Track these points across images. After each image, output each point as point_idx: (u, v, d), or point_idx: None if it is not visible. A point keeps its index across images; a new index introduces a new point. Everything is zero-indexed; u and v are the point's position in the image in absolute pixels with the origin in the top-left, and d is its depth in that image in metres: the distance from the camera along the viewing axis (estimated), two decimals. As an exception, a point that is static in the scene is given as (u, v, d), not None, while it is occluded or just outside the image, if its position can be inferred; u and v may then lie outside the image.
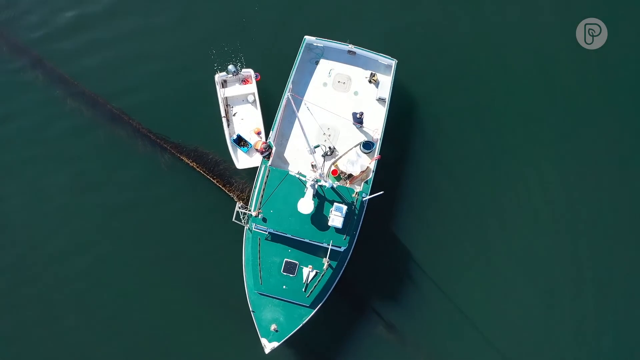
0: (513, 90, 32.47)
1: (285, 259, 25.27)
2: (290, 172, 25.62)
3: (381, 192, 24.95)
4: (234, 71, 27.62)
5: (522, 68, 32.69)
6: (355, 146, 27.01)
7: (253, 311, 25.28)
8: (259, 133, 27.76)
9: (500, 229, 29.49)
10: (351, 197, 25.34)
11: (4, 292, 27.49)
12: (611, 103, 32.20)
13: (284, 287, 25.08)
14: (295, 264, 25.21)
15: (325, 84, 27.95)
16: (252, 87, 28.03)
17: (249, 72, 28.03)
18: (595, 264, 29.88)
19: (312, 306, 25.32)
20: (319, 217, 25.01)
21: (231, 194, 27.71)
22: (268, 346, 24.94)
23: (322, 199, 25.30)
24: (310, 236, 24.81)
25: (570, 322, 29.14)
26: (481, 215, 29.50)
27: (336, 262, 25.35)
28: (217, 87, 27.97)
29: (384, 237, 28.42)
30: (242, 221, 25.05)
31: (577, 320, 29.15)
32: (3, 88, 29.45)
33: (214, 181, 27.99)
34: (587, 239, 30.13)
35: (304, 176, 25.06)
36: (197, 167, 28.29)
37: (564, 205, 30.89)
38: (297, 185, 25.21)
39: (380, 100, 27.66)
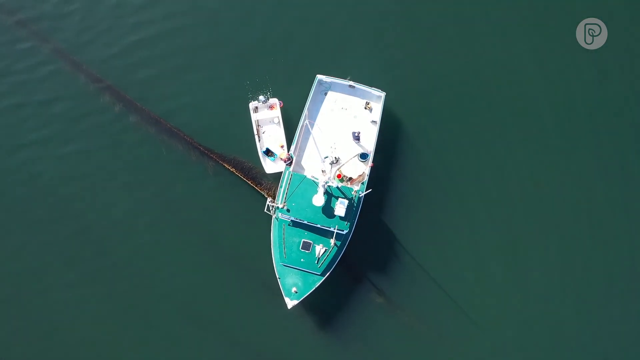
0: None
1: (303, 240, 31.39)
2: (306, 176, 31.72)
3: (370, 190, 31.13)
4: (264, 100, 33.67)
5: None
6: (354, 157, 32.95)
7: (279, 278, 31.43)
8: (282, 146, 33.71)
9: (470, 218, 33.91)
10: (351, 193, 31.42)
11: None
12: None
13: (302, 260, 31.24)
14: (310, 243, 31.37)
15: (332, 110, 33.88)
16: (277, 112, 34.03)
17: (274, 100, 34.11)
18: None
19: (322, 274, 31.37)
20: (327, 209, 31.11)
21: (262, 192, 33.56)
22: (290, 303, 31.12)
23: (330, 195, 31.33)
24: (321, 222, 31.02)
25: (530, 293, 32.79)
26: (453, 208, 34.11)
27: (340, 242, 31.43)
28: (251, 111, 34.10)
29: (376, 224, 33.68)
30: (271, 211, 31.42)
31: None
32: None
33: (249, 182, 33.88)
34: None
35: (317, 179, 31.15)
36: (236, 172, 34.09)
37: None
38: (312, 185, 31.32)
39: (373, 122, 33.47)
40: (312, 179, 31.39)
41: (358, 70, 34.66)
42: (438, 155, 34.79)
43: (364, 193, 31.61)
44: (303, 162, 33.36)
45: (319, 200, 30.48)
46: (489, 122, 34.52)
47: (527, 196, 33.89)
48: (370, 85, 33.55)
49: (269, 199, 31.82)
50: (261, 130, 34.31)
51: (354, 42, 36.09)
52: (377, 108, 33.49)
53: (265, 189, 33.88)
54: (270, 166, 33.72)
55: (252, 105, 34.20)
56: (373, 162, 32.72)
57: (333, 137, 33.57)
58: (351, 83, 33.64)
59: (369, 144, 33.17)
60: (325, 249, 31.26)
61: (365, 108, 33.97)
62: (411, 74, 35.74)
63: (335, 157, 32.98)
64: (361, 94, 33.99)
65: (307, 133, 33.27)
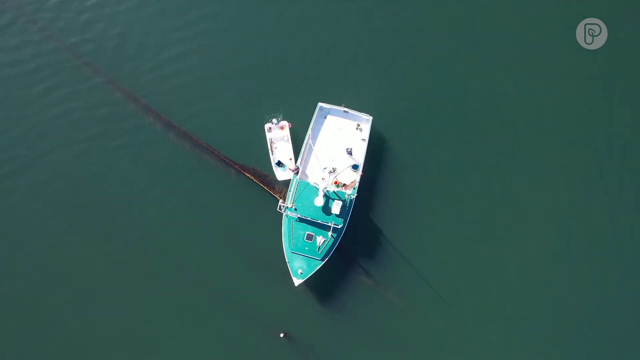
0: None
1: (307, 232, 36.99)
2: (310, 182, 37.52)
3: (355, 194, 36.55)
4: (276, 122, 39.96)
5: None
6: (347, 167, 38.60)
7: (288, 262, 37.03)
8: (291, 159, 39.56)
9: (443, 213, 38.40)
10: (345, 196, 37.32)
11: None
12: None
13: (306, 248, 36.87)
14: (313, 235, 36.95)
15: (330, 130, 39.68)
16: (286, 132, 40.08)
17: (285, 122, 40.20)
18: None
19: (322, 259, 36.87)
20: (326, 208, 37.08)
21: (275, 195, 39.16)
22: (296, 282, 36.60)
23: (328, 197, 37.15)
24: (321, 218, 36.77)
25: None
26: (428, 206, 38.85)
27: (336, 234, 37.10)
28: (266, 131, 40.25)
29: (364, 220, 38.83)
30: (282, 210, 37.30)
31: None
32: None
33: (264, 187, 39.46)
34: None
35: (318, 184, 36.98)
36: (254, 179, 39.65)
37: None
38: (314, 190, 37.24)
39: (363, 140, 39.13)
40: (314, 185, 37.06)
41: (351, 98, 40.24)
42: (415, 165, 40.15)
43: (355, 196, 37.38)
44: (307, 172, 38.90)
45: (319, 201, 36.22)
46: (471, 130, 37.90)
47: (499, 182, 36.51)
48: (361, 110, 39.13)
49: (280, 200, 37.24)
50: (274, 146, 40.13)
51: (349, 75, 41.78)
52: (366, 129, 39.14)
53: (277, 193, 39.32)
54: (281, 174, 39.32)
55: (266, 126, 40.22)
56: (363, 171, 38.12)
57: (331, 152, 39.14)
58: (345, 109, 39.33)
59: (360, 157, 38.68)
60: (325, 240, 36.69)
61: (357, 129, 39.62)
62: (395, 101, 41.11)
63: (333, 168, 38.48)
64: (353, 118, 39.68)
65: (310, 148, 38.78)
